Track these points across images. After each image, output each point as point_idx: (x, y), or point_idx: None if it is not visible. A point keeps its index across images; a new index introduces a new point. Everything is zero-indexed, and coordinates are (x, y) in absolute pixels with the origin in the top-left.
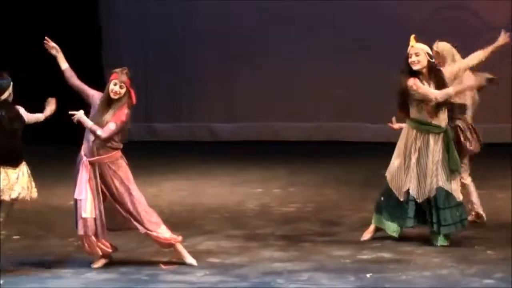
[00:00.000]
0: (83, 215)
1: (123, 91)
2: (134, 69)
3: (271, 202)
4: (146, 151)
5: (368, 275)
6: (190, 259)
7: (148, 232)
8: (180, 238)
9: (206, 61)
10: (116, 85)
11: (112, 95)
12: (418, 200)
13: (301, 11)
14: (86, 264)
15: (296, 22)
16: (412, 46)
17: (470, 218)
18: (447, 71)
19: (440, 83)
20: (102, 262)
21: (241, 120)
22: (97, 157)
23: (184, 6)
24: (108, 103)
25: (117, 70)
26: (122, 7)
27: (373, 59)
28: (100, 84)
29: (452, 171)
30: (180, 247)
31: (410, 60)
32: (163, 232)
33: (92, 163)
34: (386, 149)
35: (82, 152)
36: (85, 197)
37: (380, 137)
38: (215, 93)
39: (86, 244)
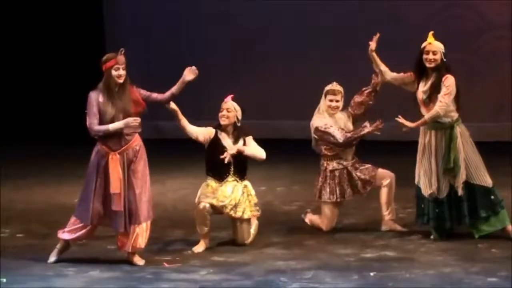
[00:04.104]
0: (116, 208)
1: (125, 72)
2: (138, 68)
3: (274, 200)
4: (151, 149)
5: (371, 274)
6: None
7: (134, 225)
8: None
9: (210, 60)
10: (119, 69)
11: (119, 80)
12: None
13: (311, 9)
14: (90, 262)
15: (305, 20)
16: (430, 43)
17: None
18: None
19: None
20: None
21: (245, 118)
22: (125, 146)
23: (187, 5)
24: (115, 90)
25: (111, 54)
26: (126, 7)
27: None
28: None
29: (446, 170)
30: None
31: (426, 56)
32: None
33: (121, 153)
34: (389, 147)
35: (105, 147)
36: (120, 190)
37: (383, 135)
38: (219, 91)
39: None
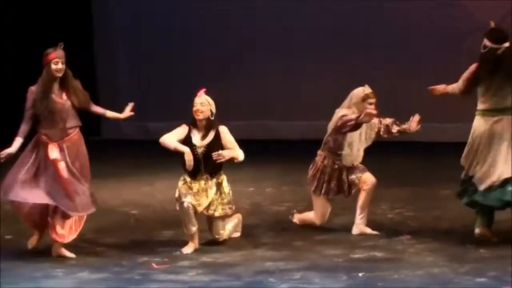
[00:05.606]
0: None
1: (64, 66)
2: (128, 68)
3: (263, 201)
4: (139, 150)
5: (360, 274)
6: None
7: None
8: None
9: (201, 60)
10: (58, 63)
11: (57, 74)
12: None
13: (299, 11)
14: (79, 263)
15: (292, 21)
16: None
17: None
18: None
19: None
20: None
21: (234, 118)
22: (67, 137)
23: (179, 5)
24: (53, 84)
25: (52, 49)
26: (116, 6)
27: (368, 58)
28: (91, 82)
29: None
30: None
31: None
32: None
33: (60, 144)
34: (379, 147)
35: (45, 137)
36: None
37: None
38: (208, 92)
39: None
